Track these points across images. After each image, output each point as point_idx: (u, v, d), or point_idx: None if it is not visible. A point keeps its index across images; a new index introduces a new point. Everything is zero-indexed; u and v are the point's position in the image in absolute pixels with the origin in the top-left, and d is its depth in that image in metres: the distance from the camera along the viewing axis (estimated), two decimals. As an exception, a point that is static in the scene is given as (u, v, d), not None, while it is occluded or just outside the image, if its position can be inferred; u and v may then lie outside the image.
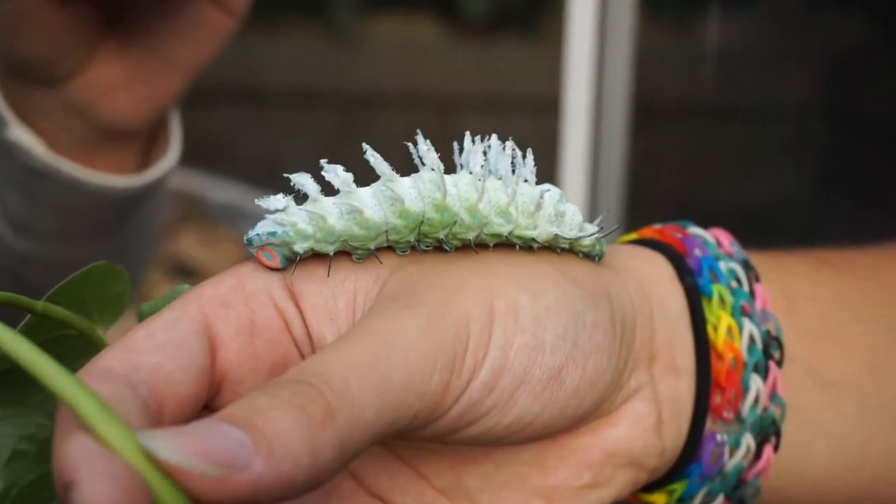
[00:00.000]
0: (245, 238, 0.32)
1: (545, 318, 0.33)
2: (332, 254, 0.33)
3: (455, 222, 0.34)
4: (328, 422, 0.28)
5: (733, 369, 0.39)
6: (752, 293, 0.41)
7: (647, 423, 0.37)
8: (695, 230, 0.42)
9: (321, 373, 0.29)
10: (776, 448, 0.41)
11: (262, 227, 0.32)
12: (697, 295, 0.40)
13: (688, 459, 0.39)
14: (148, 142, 0.58)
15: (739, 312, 0.40)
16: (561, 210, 0.35)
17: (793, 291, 0.44)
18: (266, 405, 0.27)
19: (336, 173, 0.32)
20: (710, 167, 1.07)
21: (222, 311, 0.32)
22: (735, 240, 0.42)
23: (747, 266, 0.42)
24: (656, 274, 0.40)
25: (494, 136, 0.34)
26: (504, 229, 0.34)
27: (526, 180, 0.35)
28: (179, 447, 0.26)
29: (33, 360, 0.27)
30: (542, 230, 0.35)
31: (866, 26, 1.05)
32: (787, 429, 0.42)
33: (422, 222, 0.33)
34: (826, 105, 1.08)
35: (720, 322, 0.39)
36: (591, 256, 0.37)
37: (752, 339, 0.40)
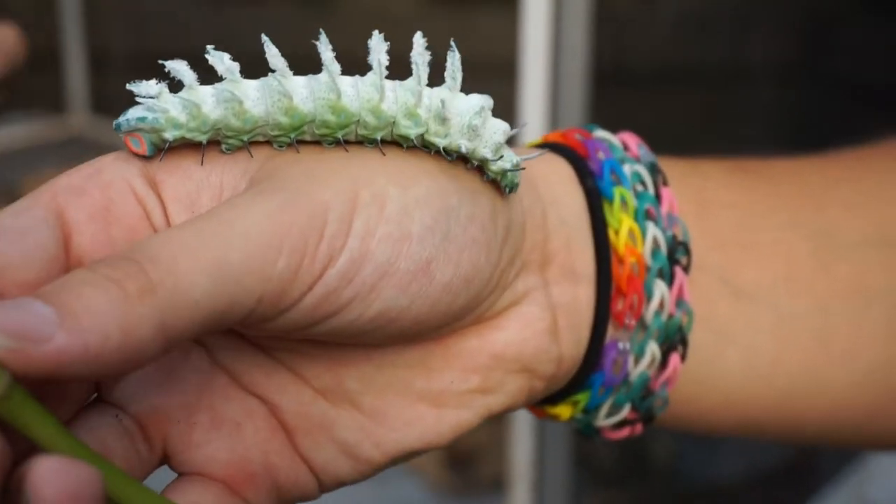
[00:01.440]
0: (114, 123, 0.31)
1: (413, 209, 0.31)
2: (204, 143, 0.31)
3: (356, 122, 0.32)
4: (146, 297, 0.27)
5: (635, 274, 0.37)
6: (658, 197, 0.39)
7: (540, 327, 0.36)
8: (600, 133, 0.40)
9: (148, 250, 0.28)
10: (683, 357, 0.40)
11: (132, 113, 0.31)
12: (598, 197, 0.38)
13: (590, 369, 0.38)
14: None
15: (643, 216, 0.38)
16: (475, 124, 0.32)
17: (706, 197, 0.43)
18: (80, 281, 0.27)
19: (221, 60, 0.31)
20: (673, 132, 1.07)
21: (75, 198, 0.31)
22: (644, 143, 0.40)
23: (654, 169, 0.40)
24: (553, 175, 0.38)
25: (418, 35, 0.32)
26: (412, 132, 0.32)
27: (449, 88, 0.33)
28: None
29: None
30: (452, 140, 0.33)
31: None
32: (696, 337, 0.40)
33: (311, 121, 0.32)
34: (794, 65, 1.07)
35: (621, 225, 0.37)
36: (501, 186, 0.34)
37: (655, 244, 0.38)
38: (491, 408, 0.36)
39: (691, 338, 0.40)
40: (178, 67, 0.31)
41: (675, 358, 0.39)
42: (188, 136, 0.31)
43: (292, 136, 0.32)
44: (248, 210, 0.29)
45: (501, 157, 0.33)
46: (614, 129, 0.42)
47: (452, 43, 0.33)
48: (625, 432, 0.41)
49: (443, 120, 0.32)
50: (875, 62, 0.99)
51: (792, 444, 0.47)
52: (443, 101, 0.32)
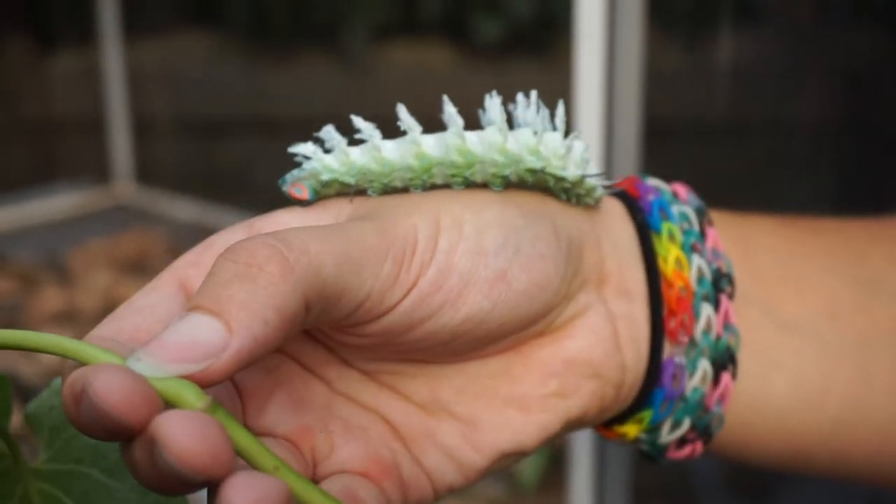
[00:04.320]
0: (280, 180, 0.37)
1: (486, 230, 0.36)
2: (353, 182, 0.37)
3: (480, 162, 0.37)
4: (288, 275, 0.31)
5: (683, 296, 0.41)
6: (703, 234, 0.43)
7: (603, 335, 0.40)
8: (652, 181, 0.44)
9: (280, 236, 0.32)
10: (734, 376, 0.43)
11: (293, 171, 0.37)
12: (647, 231, 0.42)
13: (651, 385, 0.41)
14: None
15: (689, 249, 0.42)
16: (587, 158, 0.39)
17: (751, 243, 0.46)
18: (227, 277, 0.30)
19: (361, 122, 0.37)
20: (723, 184, 1.07)
21: (193, 270, 0.35)
22: (693, 192, 0.45)
23: (701, 212, 0.44)
24: (606, 210, 0.42)
25: (520, 94, 0.38)
26: (537, 165, 0.38)
27: (556, 129, 0.39)
28: (159, 363, 0.29)
29: (35, 337, 0.31)
30: (572, 172, 0.38)
31: (881, 39, 1.05)
32: (744, 362, 0.44)
33: (440, 164, 0.37)
34: (841, 120, 1.07)
35: (669, 254, 0.41)
36: (584, 202, 0.40)
37: (700, 273, 0.42)
38: (570, 413, 0.39)
39: (739, 363, 0.43)
40: (329, 133, 0.37)
41: (726, 376, 0.43)
42: (340, 178, 0.37)
43: (424, 177, 0.37)
44: (358, 225, 0.34)
45: (599, 182, 0.40)
46: (666, 181, 0.45)
47: (534, 93, 0.39)
48: (686, 451, 0.44)
49: (562, 156, 0.38)
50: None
51: (846, 480, 0.47)
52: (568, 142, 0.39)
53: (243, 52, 1.81)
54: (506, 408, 0.39)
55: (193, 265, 0.35)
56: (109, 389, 0.27)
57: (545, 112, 0.38)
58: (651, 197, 0.43)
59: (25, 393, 1.08)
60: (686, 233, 0.42)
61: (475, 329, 0.36)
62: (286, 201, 0.38)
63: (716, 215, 0.45)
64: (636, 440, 0.44)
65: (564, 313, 0.39)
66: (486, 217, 0.37)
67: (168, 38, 1.93)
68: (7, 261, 1.54)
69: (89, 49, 1.84)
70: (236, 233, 0.37)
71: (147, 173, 1.84)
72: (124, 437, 0.28)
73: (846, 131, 1.07)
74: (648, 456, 0.45)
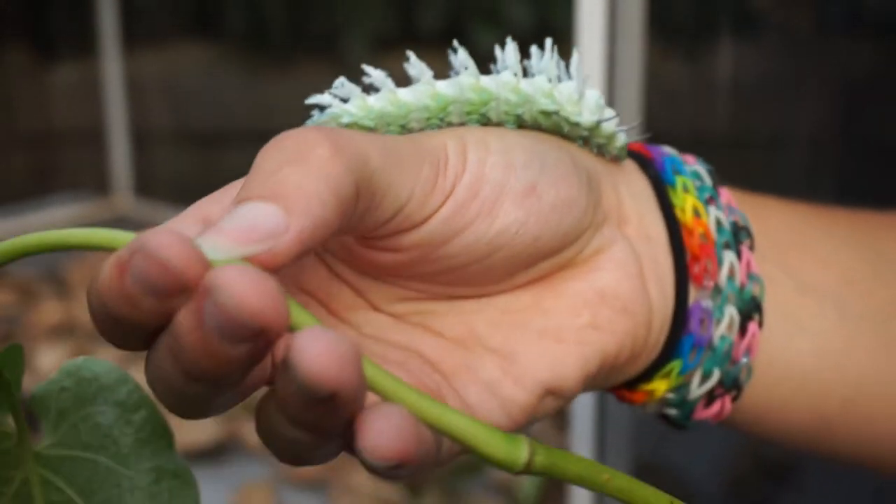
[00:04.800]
0: (305, 123, 0.38)
1: (511, 149, 0.37)
2: (372, 125, 0.38)
3: (495, 99, 0.38)
4: (336, 158, 0.31)
5: (704, 242, 0.41)
6: (716, 191, 0.43)
7: (630, 269, 0.40)
8: (664, 147, 0.44)
9: (325, 128, 0.32)
10: (760, 325, 0.42)
11: (312, 117, 0.38)
12: (661, 184, 0.42)
13: (678, 333, 0.41)
14: None
15: (705, 202, 0.42)
16: (602, 104, 0.39)
17: (765, 212, 0.46)
18: (279, 165, 0.30)
19: (373, 71, 0.38)
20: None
21: (216, 206, 0.35)
22: (703, 161, 0.45)
23: (712, 173, 0.44)
24: (620, 166, 0.43)
25: (535, 47, 0.39)
26: (551, 107, 0.39)
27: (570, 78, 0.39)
28: (220, 244, 0.29)
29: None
30: (587, 118, 0.39)
31: (880, 51, 1.05)
32: (767, 320, 0.43)
33: (455, 101, 0.38)
34: (841, 133, 1.07)
35: (686, 203, 0.42)
36: (615, 156, 0.41)
37: (718, 222, 0.42)
38: (606, 348, 0.39)
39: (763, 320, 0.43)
40: (344, 85, 0.38)
41: (752, 326, 0.42)
42: (359, 121, 0.38)
43: (441, 115, 0.38)
44: (393, 138, 0.35)
45: (618, 128, 0.40)
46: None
47: (549, 41, 0.40)
48: (715, 408, 0.43)
49: (576, 101, 0.39)
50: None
51: (859, 463, 0.47)
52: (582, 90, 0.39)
53: (242, 63, 1.81)
54: (541, 339, 0.38)
55: (216, 202, 0.34)
56: (167, 243, 0.27)
57: (560, 62, 0.39)
58: (662, 156, 0.43)
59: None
60: (700, 188, 0.42)
61: (510, 243, 0.36)
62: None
63: (727, 189, 0.45)
64: (663, 401, 0.43)
65: (590, 245, 0.39)
66: (509, 138, 0.37)
67: (167, 49, 1.93)
68: (6, 273, 1.53)
69: (89, 60, 1.84)
70: None
71: (146, 185, 1.84)
72: (173, 298, 0.28)
73: (845, 142, 1.07)
74: (674, 423, 0.45)
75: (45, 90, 1.98)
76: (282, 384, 0.29)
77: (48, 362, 1.29)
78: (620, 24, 0.78)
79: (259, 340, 0.27)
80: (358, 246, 0.36)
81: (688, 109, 1.15)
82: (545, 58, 0.39)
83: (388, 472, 0.29)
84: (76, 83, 1.95)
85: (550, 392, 0.38)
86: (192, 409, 0.31)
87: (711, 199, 0.42)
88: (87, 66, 1.86)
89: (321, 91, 0.38)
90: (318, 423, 0.29)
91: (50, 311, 1.43)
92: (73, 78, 1.97)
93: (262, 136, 0.32)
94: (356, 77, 0.38)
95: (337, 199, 0.30)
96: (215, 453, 1.15)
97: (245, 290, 0.26)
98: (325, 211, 0.30)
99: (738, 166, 1.12)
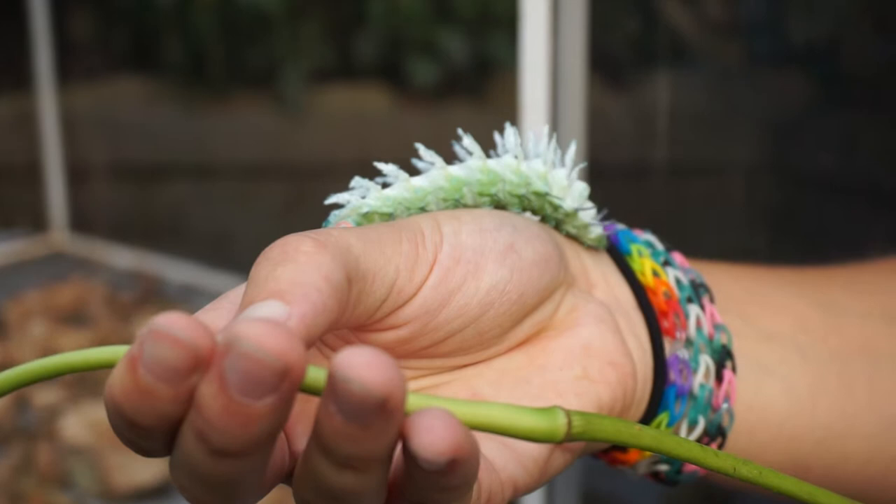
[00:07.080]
0: (323, 223, 0.40)
1: (482, 216, 0.39)
2: (391, 212, 0.40)
3: (502, 180, 0.41)
4: (321, 249, 0.33)
5: (668, 298, 0.43)
6: (669, 254, 0.45)
7: (609, 324, 0.41)
8: (616, 223, 0.47)
9: (303, 232, 0.34)
10: (734, 370, 0.44)
11: (334, 212, 0.40)
12: (619, 253, 0.45)
13: (662, 385, 0.43)
14: None
15: (662, 264, 0.44)
16: (585, 195, 0.42)
17: (716, 275, 0.48)
18: (271, 266, 0.32)
19: (385, 166, 0.40)
20: (661, 225, 1.08)
21: (212, 314, 0.36)
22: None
23: (661, 240, 0.46)
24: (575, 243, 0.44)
25: (533, 130, 0.40)
26: (543, 189, 0.41)
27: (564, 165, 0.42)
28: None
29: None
30: (569, 204, 0.41)
31: (810, 84, 1.07)
32: (738, 365, 0.45)
33: (467, 183, 0.40)
34: (773, 162, 1.09)
35: (644, 267, 0.44)
36: (593, 246, 0.43)
37: (678, 280, 0.44)
38: (601, 397, 0.40)
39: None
40: (361, 182, 0.40)
41: (727, 373, 0.44)
42: (378, 210, 0.40)
43: (456, 196, 0.40)
44: (372, 225, 0.37)
45: (593, 220, 0.42)
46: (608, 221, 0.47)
47: (546, 130, 0.42)
48: None
49: (564, 188, 0.41)
50: (836, 154, 1.01)
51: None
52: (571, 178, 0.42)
53: (179, 98, 1.81)
54: (543, 393, 0.40)
55: (211, 310, 0.35)
56: (175, 320, 0.28)
57: (556, 148, 0.42)
58: (615, 230, 0.45)
59: None
60: (654, 253, 0.44)
61: (499, 300, 0.38)
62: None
63: (678, 253, 0.47)
64: (655, 457, 0.44)
65: (565, 302, 0.41)
66: (478, 211, 0.39)
67: (103, 84, 1.92)
68: (-60, 312, 1.51)
69: (24, 95, 1.83)
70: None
71: (83, 221, 1.83)
72: (188, 378, 0.29)
73: (777, 170, 1.09)
74: (665, 479, 0.46)
75: (-22, 126, 1.96)
76: (324, 414, 0.29)
77: (-16, 402, 1.27)
78: (562, 58, 0.79)
79: (283, 385, 0.28)
80: (358, 334, 0.38)
81: (626, 139, 1.16)
82: (542, 143, 0.41)
83: (443, 475, 0.30)
84: (11, 119, 1.94)
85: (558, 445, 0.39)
86: (221, 496, 0.32)
87: (667, 262, 0.44)
88: (22, 101, 1.85)
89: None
90: (371, 445, 0.29)
91: (-15, 350, 1.41)
92: (7, 113, 1.95)
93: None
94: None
95: (330, 286, 0.32)
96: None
97: (264, 334, 0.28)
98: (322, 297, 0.32)
99: (675, 194, 1.13)
